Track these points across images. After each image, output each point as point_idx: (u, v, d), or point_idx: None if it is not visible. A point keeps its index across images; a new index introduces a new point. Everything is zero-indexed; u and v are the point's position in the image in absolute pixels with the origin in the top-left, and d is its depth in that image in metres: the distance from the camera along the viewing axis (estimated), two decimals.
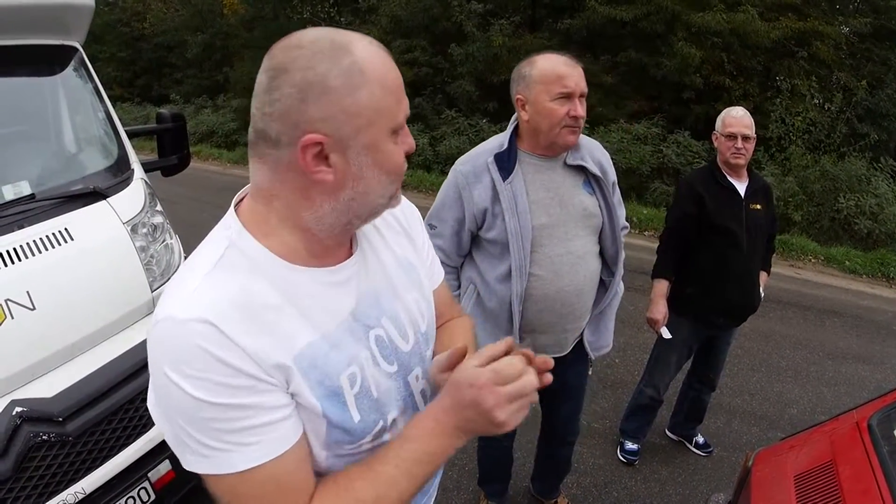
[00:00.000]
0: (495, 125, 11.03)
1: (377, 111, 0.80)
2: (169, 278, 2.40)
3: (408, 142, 0.88)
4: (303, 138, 0.77)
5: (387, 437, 0.95)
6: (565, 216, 2.01)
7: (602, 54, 11.78)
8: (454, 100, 12.34)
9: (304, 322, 0.85)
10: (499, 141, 2.04)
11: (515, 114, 2.01)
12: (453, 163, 2.09)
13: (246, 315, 0.78)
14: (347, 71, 0.77)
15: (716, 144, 2.83)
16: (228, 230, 0.85)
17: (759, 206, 2.81)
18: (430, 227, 2.10)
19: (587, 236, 2.07)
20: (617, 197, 2.18)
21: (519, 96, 1.96)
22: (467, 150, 2.13)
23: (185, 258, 2.62)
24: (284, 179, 0.82)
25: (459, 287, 2.22)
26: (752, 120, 2.76)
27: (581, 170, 2.04)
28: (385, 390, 0.95)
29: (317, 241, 0.87)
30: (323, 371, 0.85)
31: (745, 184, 2.81)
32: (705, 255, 2.79)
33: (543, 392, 0.91)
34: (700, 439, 3.42)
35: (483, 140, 2.20)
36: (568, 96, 1.87)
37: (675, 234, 2.88)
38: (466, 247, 2.13)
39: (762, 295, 2.99)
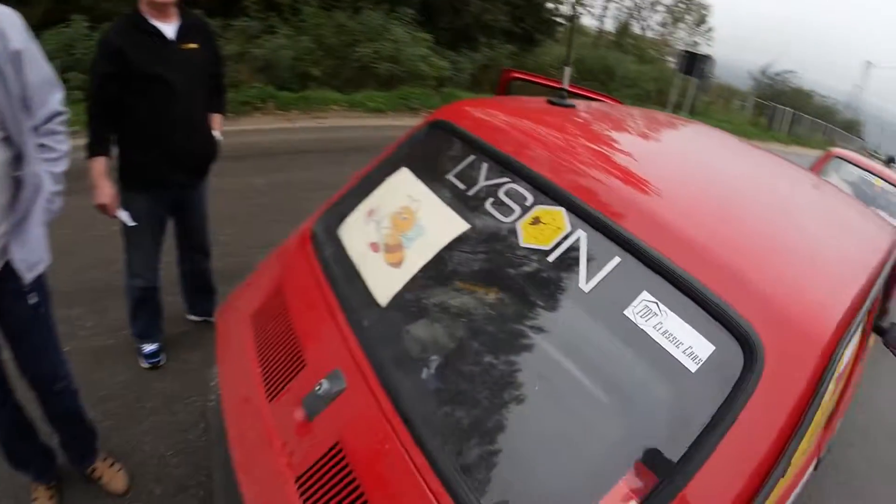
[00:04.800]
0: None
1: None
2: None
3: None
4: None
5: None
6: None
7: None
8: None
9: None
10: None
11: None
12: None
13: None
14: None
15: None
16: None
17: (195, 46, 2.50)
18: None
19: None
20: (41, 75, 1.67)
21: None
22: None
23: None
24: None
25: None
26: None
27: None
28: None
29: None
30: None
31: (176, 25, 2.43)
32: (139, 112, 2.41)
33: None
34: None
35: None
36: None
37: (99, 101, 2.40)
38: None
39: (218, 139, 2.70)
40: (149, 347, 2.82)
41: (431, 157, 1.93)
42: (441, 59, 10.79)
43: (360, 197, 1.95)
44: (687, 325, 1.12)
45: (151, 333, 2.83)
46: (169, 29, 2.39)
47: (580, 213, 1.37)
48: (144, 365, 2.81)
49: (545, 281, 1.35)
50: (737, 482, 0.97)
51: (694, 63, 13.73)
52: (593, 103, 2.47)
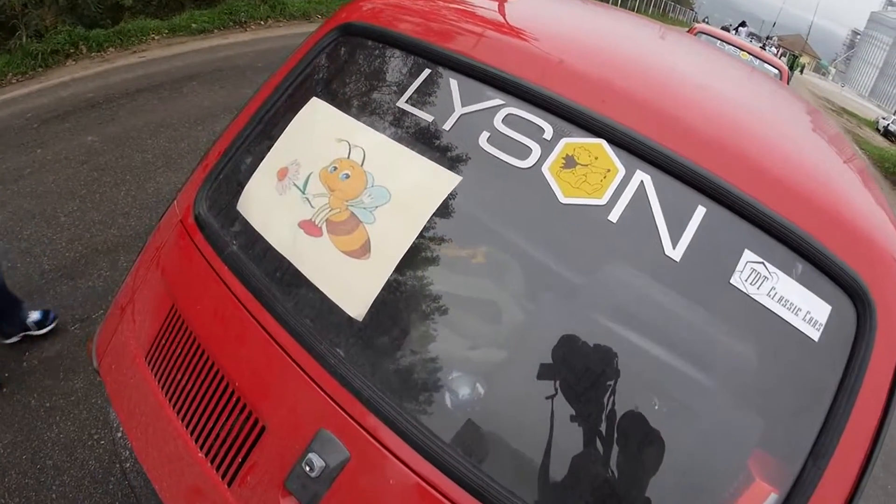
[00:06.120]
0: None
1: None
2: None
3: None
4: None
5: None
6: None
7: None
8: None
9: None
10: None
11: None
12: None
13: None
14: None
15: None
16: None
17: None
18: None
19: None
20: None
21: None
22: None
23: None
24: None
25: None
26: None
27: None
28: None
29: None
30: None
31: None
32: None
33: None
34: (36, 315, 2.42)
35: None
36: None
37: None
38: None
39: None
40: None
41: (355, 79, 1.36)
42: None
43: (256, 152, 1.34)
44: (800, 285, 0.90)
45: None
46: None
47: (633, 147, 0.94)
48: None
49: (614, 250, 0.94)
50: (863, 448, 0.85)
51: None
52: None
